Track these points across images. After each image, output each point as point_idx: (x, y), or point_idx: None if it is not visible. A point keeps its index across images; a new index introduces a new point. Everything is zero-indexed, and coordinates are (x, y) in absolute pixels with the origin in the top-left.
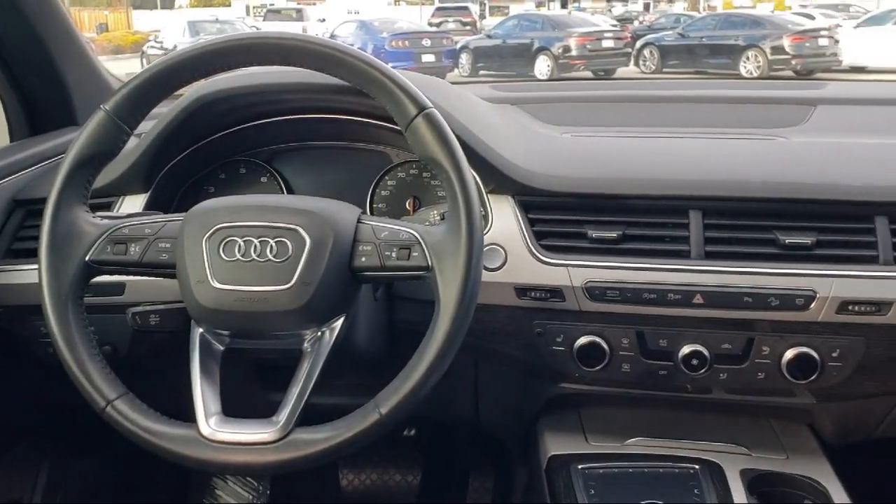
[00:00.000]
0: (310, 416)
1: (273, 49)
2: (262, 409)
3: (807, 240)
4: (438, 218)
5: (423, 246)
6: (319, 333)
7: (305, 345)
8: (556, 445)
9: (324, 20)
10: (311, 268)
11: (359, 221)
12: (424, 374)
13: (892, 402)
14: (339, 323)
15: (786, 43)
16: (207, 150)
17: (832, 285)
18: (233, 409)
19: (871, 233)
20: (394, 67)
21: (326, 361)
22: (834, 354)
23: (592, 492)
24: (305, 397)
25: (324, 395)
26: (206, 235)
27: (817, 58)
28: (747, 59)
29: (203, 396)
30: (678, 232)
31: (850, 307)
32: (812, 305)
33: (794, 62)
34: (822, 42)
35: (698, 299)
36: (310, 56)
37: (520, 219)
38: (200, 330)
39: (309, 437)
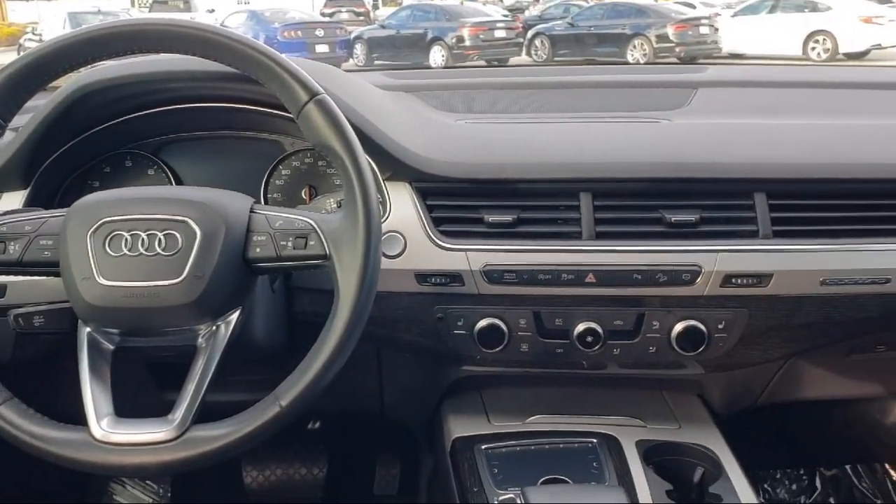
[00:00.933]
0: (210, 414)
1: (157, 36)
2: (158, 410)
3: (691, 217)
4: (335, 206)
5: (320, 234)
6: (214, 328)
7: (200, 340)
8: (460, 428)
9: (213, 11)
10: (203, 260)
11: (252, 211)
12: (325, 365)
13: (774, 370)
14: (234, 316)
15: (669, 31)
16: (90, 143)
17: (716, 260)
18: (127, 410)
19: (751, 208)
20: None
21: (223, 356)
22: (720, 326)
23: (496, 471)
24: (202, 394)
25: (223, 391)
26: (91, 231)
27: (699, 45)
28: (634, 47)
29: (93, 398)
30: (570, 214)
31: (733, 280)
32: (698, 280)
33: (677, 50)
34: (703, 30)
35: (591, 278)
36: (195, 43)
37: (418, 205)
38: (88, 329)
39: (207, 434)
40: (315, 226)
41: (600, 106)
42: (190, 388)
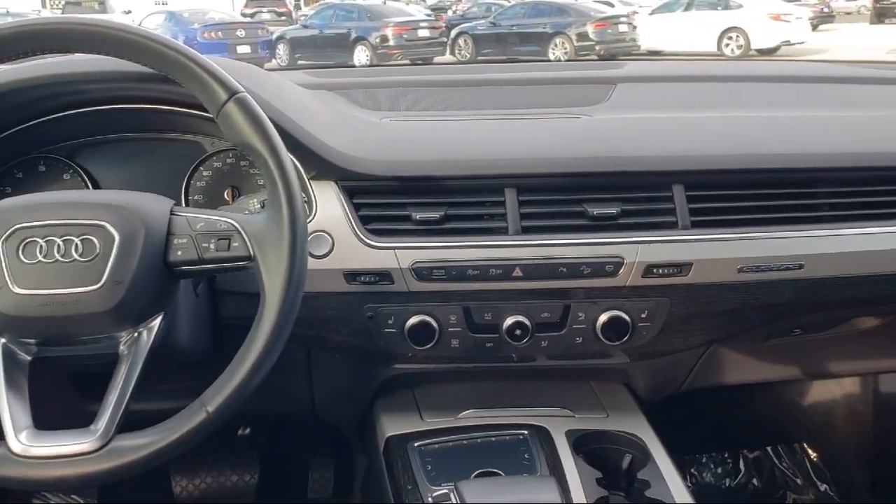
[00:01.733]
0: (136, 423)
1: (68, 35)
2: (81, 421)
3: (612, 210)
4: (259, 206)
5: (244, 235)
6: (136, 334)
7: (122, 347)
8: (393, 426)
9: (129, 12)
10: (122, 265)
11: (172, 213)
12: (252, 368)
13: (696, 357)
14: (156, 322)
15: (590, 30)
16: (0, 148)
17: (637, 251)
18: (48, 422)
19: (669, 200)
20: None
21: (146, 364)
22: (643, 315)
23: (429, 467)
24: (125, 402)
25: (149, 400)
26: (3, 238)
27: (618, 43)
28: (555, 45)
29: (11, 411)
30: (496, 210)
31: (654, 270)
32: (620, 271)
33: (598, 48)
34: (622, 28)
35: (518, 272)
36: (109, 42)
37: (344, 204)
38: (3, 340)
39: (131, 444)
40: (238, 227)
41: (523, 103)
42: (112, 397)
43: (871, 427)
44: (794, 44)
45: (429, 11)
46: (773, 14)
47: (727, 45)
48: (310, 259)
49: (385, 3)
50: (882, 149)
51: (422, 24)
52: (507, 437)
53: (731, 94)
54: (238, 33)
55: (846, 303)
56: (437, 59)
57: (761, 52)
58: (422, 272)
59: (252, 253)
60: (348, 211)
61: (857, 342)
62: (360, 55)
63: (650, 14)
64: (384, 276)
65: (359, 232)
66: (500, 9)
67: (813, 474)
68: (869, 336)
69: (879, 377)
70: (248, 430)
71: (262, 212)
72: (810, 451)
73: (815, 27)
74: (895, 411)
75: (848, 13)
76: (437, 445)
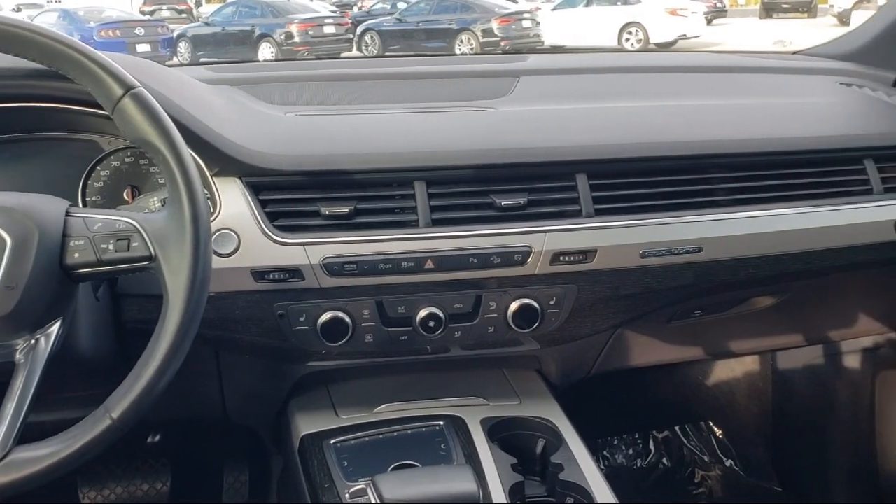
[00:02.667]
0: (39, 435)
1: None
2: None
3: (520, 200)
4: (159, 204)
5: (144, 235)
6: (33, 342)
7: (18, 356)
8: (308, 425)
9: (19, 10)
10: (15, 270)
11: (67, 214)
12: (157, 372)
13: (604, 341)
14: (54, 328)
15: (494, 26)
16: None
17: (545, 240)
18: None
19: (573, 189)
20: None
21: (45, 372)
22: (551, 302)
23: (346, 464)
24: (24, 413)
25: (51, 410)
26: None
27: (523, 39)
28: (461, 41)
29: None
30: (406, 203)
31: (561, 258)
32: (529, 260)
33: (503, 43)
34: (526, 24)
35: (430, 264)
36: None
37: (250, 201)
38: None
39: (31, 455)
40: (138, 226)
41: (430, 96)
42: (10, 408)
43: (771, 403)
44: (690, 37)
45: (334, 8)
46: (670, 9)
47: (627, 39)
48: (215, 258)
49: None
50: (770, 135)
51: (327, 21)
52: (424, 429)
53: (630, 84)
54: (137, 31)
55: (742, 283)
56: (344, 55)
57: (660, 45)
58: (333, 268)
59: (153, 253)
60: (254, 207)
61: (755, 321)
62: (265, 52)
63: (553, 10)
64: (294, 273)
65: (266, 229)
66: (406, 5)
67: (719, 451)
68: (765, 315)
69: (777, 354)
70: (157, 437)
71: (162, 210)
72: (716, 429)
73: (709, 21)
74: (792, 387)
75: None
76: (353, 441)
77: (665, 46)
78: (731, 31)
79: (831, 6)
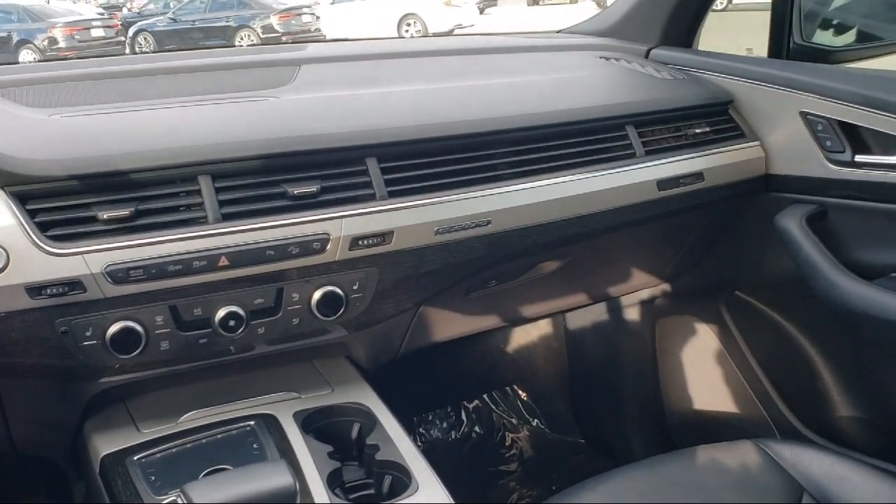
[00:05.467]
0: None
1: None
2: None
3: (312, 188)
4: None
5: None
6: None
7: None
8: (106, 444)
9: None
10: None
11: None
12: None
13: (409, 319)
14: None
15: (274, 21)
16: None
17: (341, 226)
18: None
19: (365, 173)
20: None
21: None
22: (354, 287)
23: (153, 478)
24: None
25: None
26: None
27: (304, 34)
28: (241, 38)
29: None
30: (192, 199)
31: (359, 242)
32: (328, 247)
33: (284, 39)
34: (306, 18)
35: (223, 262)
36: None
37: (16, 212)
38: None
39: None
40: None
41: (208, 89)
42: None
43: (567, 361)
44: (465, 27)
45: (101, 10)
46: (444, 0)
47: (406, 30)
48: None
49: (49, 2)
50: (542, 109)
51: (94, 24)
52: (234, 432)
53: (411, 69)
54: None
55: (529, 250)
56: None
57: (438, 35)
58: (117, 275)
59: None
60: (22, 219)
61: (544, 286)
62: (27, 59)
63: (332, 4)
64: (74, 284)
65: (37, 240)
66: (179, 4)
67: (525, 413)
68: (553, 279)
69: (567, 315)
70: None
71: None
72: (521, 392)
73: (482, 11)
74: (584, 344)
75: None
76: (158, 455)
77: (443, 36)
78: (501, 19)
79: None
